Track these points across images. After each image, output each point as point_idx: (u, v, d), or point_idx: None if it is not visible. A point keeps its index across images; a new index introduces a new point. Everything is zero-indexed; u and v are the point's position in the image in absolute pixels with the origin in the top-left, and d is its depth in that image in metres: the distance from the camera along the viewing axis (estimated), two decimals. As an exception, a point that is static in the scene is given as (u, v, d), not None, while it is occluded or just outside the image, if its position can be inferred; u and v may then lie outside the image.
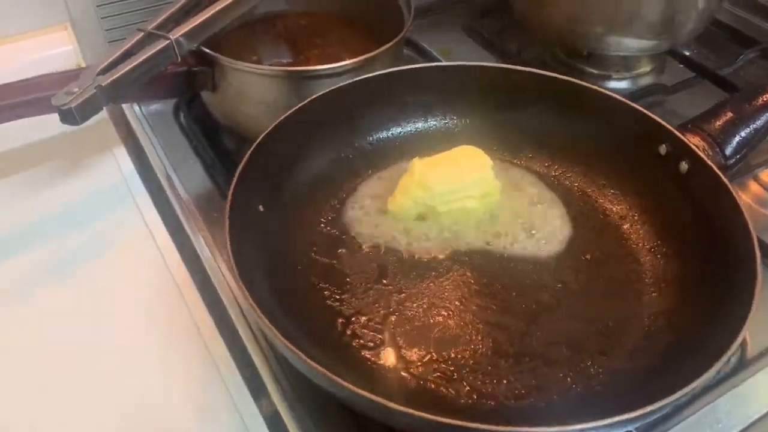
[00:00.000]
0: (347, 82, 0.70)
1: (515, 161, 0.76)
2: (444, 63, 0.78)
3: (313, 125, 0.69)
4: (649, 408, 0.46)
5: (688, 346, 0.55)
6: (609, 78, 0.96)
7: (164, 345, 0.62)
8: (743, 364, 0.61)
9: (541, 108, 0.73)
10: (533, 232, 0.68)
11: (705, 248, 0.61)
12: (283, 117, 0.66)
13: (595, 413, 0.45)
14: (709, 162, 0.63)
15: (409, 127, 0.77)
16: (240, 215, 0.58)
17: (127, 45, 0.68)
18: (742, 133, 0.70)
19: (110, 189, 0.77)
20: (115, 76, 0.65)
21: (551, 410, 0.54)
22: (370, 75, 0.71)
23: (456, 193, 0.67)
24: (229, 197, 0.58)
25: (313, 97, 0.67)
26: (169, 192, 0.75)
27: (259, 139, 0.63)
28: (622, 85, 0.96)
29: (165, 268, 0.68)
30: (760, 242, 0.67)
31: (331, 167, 0.72)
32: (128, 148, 0.82)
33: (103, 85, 0.64)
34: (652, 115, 0.67)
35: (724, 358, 0.48)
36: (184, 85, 0.75)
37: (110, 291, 0.67)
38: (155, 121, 0.85)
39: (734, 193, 0.60)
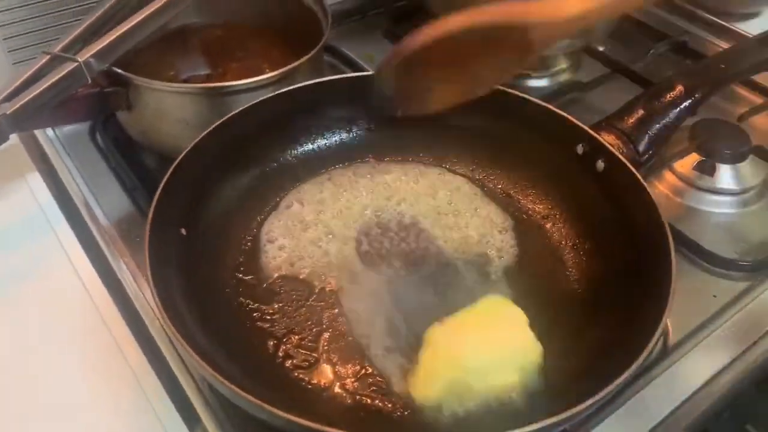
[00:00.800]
0: (266, 96, 0.69)
1: (442, 166, 0.77)
2: (362, 73, 0.77)
3: (234, 141, 0.68)
4: (576, 408, 0.47)
5: (613, 343, 0.57)
6: (528, 77, 0.98)
7: (91, 377, 0.60)
8: (666, 352, 0.64)
9: (464, 112, 0.74)
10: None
11: (624, 244, 0.63)
12: (202, 135, 0.64)
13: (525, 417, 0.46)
14: (623, 159, 0.65)
15: (334, 138, 0.77)
16: (161, 239, 0.57)
17: (33, 69, 0.66)
18: (654, 129, 0.73)
19: (26, 218, 0.74)
20: (20, 103, 0.62)
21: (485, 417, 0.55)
22: (291, 88, 0.70)
23: (494, 364, 0.54)
24: (148, 223, 0.56)
25: (233, 113, 0.66)
26: (87, 218, 0.73)
27: (177, 160, 0.62)
28: (541, 83, 0.99)
29: (88, 298, 0.66)
30: (676, 232, 0.71)
31: (254, 183, 0.71)
32: (42, 174, 0.78)
33: (8, 113, 0.61)
34: (568, 116, 0.69)
35: (644, 354, 0.50)
36: (98, 107, 0.72)
37: (31, 324, 0.64)
38: (70, 144, 0.82)
39: (648, 190, 0.62)
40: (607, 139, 0.69)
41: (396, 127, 0.76)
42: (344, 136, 0.76)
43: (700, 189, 0.79)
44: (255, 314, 0.61)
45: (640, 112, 0.74)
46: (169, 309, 0.51)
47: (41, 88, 0.63)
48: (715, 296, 0.69)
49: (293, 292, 0.63)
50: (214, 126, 0.66)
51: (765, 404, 0.69)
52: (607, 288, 0.63)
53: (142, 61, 0.79)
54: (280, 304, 0.62)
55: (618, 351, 0.55)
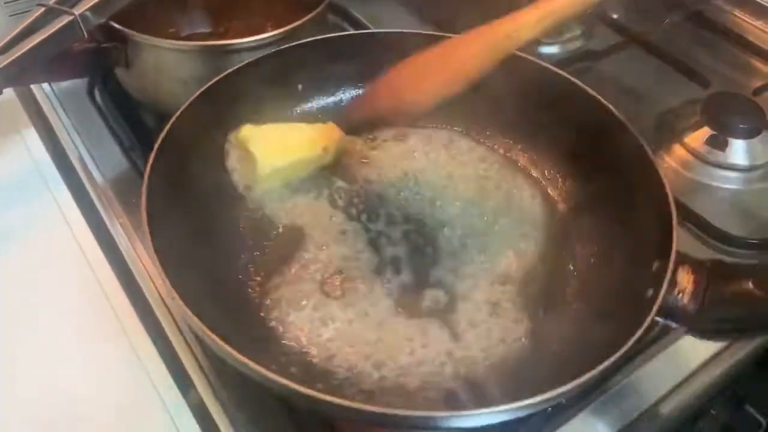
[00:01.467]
0: (268, 52, 0.67)
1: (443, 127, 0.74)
2: (365, 31, 0.75)
3: (233, 99, 0.66)
4: (573, 383, 0.46)
5: (612, 314, 0.56)
6: (539, 43, 0.96)
7: (85, 338, 0.60)
8: (668, 330, 0.62)
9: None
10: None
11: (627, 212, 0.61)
12: (197, 93, 0.62)
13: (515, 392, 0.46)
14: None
15: (340, 96, 0.74)
16: (159, 197, 0.55)
17: (27, 21, 0.64)
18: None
19: (20, 175, 0.72)
20: (13, 57, 0.60)
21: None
22: (290, 44, 0.68)
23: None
24: (146, 179, 0.55)
25: (228, 71, 0.64)
26: (83, 177, 0.71)
27: (172, 118, 0.60)
28: (552, 50, 0.96)
29: (83, 258, 0.65)
30: (683, 206, 0.70)
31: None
32: (38, 131, 0.77)
33: (0, 66, 0.59)
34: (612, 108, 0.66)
35: (641, 329, 0.48)
36: (95, 64, 0.70)
37: (26, 284, 0.63)
38: (67, 101, 0.80)
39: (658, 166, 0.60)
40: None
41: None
42: (349, 94, 0.74)
43: (710, 164, 0.78)
44: (256, 277, 0.60)
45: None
46: (167, 264, 0.49)
47: (35, 42, 0.61)
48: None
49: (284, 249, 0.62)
50: (209, 84, 0.64)
51: (764, 384, 0.68)
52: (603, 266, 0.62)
53: (142, 17, 0.77)
54: (277, 268, 0.61)
55: (616, 324, 0.54)
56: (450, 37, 0.62)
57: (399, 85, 0.61)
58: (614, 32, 0.96)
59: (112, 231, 0.66)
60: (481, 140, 0.73)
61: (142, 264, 0.63)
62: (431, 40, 0.69)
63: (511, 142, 0.73)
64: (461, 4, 0.99)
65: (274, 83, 0.69)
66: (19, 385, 0.57)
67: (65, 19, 0.63)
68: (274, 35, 0.69)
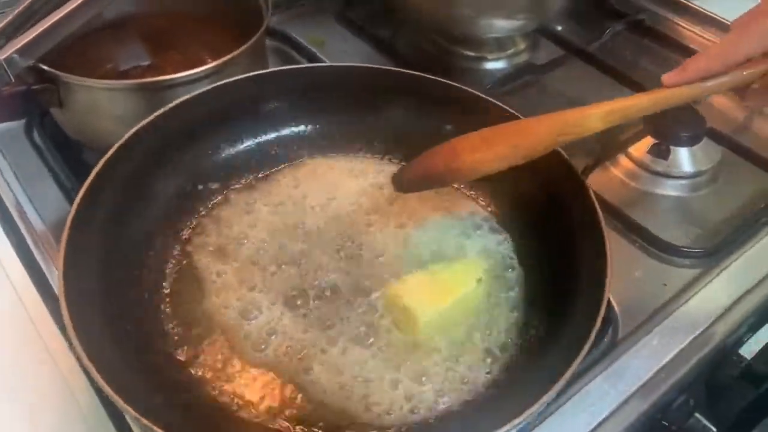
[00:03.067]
0: (201, 90, 0.66)
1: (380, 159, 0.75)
2: (301, 66, 0.75)
3: (164, 139, 0.65)
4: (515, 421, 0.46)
5: (555, 338, 0.56)
6: (484, 59, 0.97)
7: (21, 387, 0.58)
8: (615, 343, 0.63)
9: (406, 106, 0.72)
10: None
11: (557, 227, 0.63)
12: (126, 136, 0.62)
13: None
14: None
15: (269, 136, 0.73)
16: (80, 248, 0.54)
17: (-50, 68, 0.62)
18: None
19: (-45, 223, 0.71)
20: (-63, 106, 0.59)
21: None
22: (226, 81, 0.67)
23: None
24: (66, 233, 0.54)
25: (160, 111, 0.63)
26: (19, 222, 0.69)
27: (101, 162, 0.60)
28: (498, 65, 0.97)
29: (21, 306, 0.63)
30: (626, 218, 0.71)
31: (184, 185, 0.68)
32: (-26, 176, 0.75)
33: (-76, 117, 0.58)
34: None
35: (582, 353, 0.49)
36: (27, 106, 0.70)
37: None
38: (4, 141, 0.78)
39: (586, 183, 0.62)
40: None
41: (336, 123, 0.75)
42: (284, 132, 0.74)
43: (653, 173, 0.78)
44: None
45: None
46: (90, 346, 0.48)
47: (-40, 90, 0.60)
48: (665, 285, 0.68)
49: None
50: (139, 126, 0.63)
51: (714, 392, 0.68)
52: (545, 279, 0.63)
53: (77, 55, 0.76)
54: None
55: (559, 347, 0.54)
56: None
57: (461, 148, 0.60)
58: (557, 45, 0.96)
59: (49, 277, 0.65)
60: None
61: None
62: (374, 73, 0.71)
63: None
64: (401, 23, 1.00)
65: (201, 124, 0.68)
66: None
67: (-10, 64, 0.62)
68: (208, 69, 0.68)
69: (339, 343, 0.59)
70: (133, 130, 0.62)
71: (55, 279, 0.63)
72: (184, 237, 0.66)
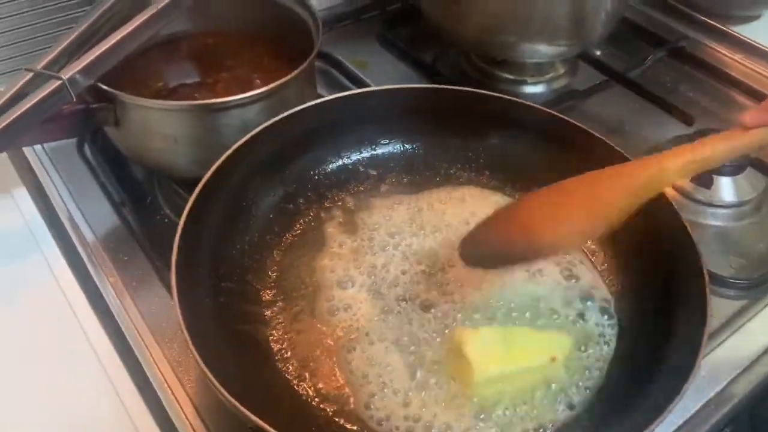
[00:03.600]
0: (302, 107, 0.69)
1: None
2: (382, 87, 0.75)
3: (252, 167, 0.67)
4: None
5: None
6: (524, 83, 0.97)
7: (75, 398, 0.59)
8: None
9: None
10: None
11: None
12: (223, 157, 0.63)
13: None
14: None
15: (346, 160, 0.75)
16: (187, 274, 0.55)
17: (16, 87, 0.64)
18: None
19: (11, 234, 0.73)
20: (3, 123, 0.61)
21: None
22: (304, 107, 0.69)
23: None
24: (174, 256, 0.55)
25: (250, 134, 0.65)
26: (73, 235, 0.71)
27: (202, 181, 0.61)
28: (537, 89, 0.97)
29: (74, 318, 0.65)
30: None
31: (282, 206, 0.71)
32: (29, 189, 0.77)
33: (-11, 134, 0.59)
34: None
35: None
36: (84, 124, 0.70)
37: (16, 344, 0.63)
38: (57, 158, 0.80)
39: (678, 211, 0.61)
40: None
41: (418, 144, 0.77)
42: (358, 156, 0.76)
43: (696, 201, 0.78)
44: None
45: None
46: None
47: (24, 108, 0.62)
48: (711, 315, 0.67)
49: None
50: (226, 154, 0.64)
51: (762, 423, 0.68)
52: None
53: (130, 71, 0.77)
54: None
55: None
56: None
57: (533, 223, 0.56)
58: (597, 71, 0.97)
59: (102, 290, 0.66)
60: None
61: (133, 324, 0.63)
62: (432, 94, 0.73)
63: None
64: (442, 45, 1.01)
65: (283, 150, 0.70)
66: None
67: (54, 84, 0.64)
68: (260, 93, 0.69)
69: (390, 346, 0.60)
70: (234, 147, 0.64)
71: (106, 289, 0.65)
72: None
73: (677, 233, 0.61)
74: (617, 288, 0.66)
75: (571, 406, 0.57)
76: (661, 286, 0.61)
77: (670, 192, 0.79)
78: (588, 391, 0.58)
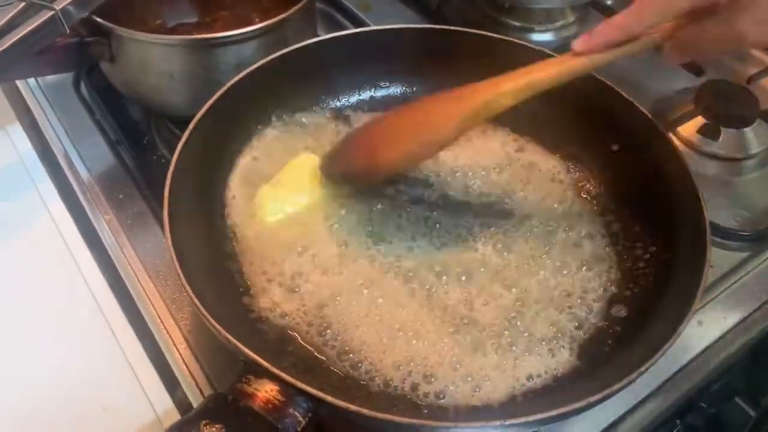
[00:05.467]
0: (305, 43, 0.67)
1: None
2: (383, 27, 0.73)
3: (256, 95, 0.66)
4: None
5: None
6: (531, 30, 0.94)
7: (68, 333, 0.60)
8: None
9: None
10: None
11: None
12: (209, 103, 0.61)
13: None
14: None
15: (344, 102, 0.74)
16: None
17: (7, 17, 0.62)
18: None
19: (5, 171, 0.72)
20: (-7, 54, 0.59)
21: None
22: (308, 42, 0.67)
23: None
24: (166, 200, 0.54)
25: (246, 71, 0.63)
26: (68, 173, 0.71)
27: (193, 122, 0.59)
28: (545, 37, 0.94)
29: (68, 254, 0.65)
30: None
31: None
32: (24, 125, 0.76)
33: (-20, 64, 0.58)
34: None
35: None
36: (78, 58, 0.69)
37: (9, 278, 0.63)
38: (53, 94, 0.79)
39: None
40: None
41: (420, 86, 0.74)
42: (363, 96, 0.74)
43: (702, 154, 0.76)
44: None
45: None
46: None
47: (14, 39, 0.60)
48: (712, 266, 0.67)
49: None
50: (221, 91, 0.62)
51: (756, 376, 0.68)
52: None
53: (128, 9, 0.76)
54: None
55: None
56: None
57: (373, 143, 0.60)
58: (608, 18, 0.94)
59: (97, 227, 0.66)
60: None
61: (128, 261, 0.63)
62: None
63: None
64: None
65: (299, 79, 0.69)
66: (1, 370, 0.57)
67: (46, 14, 0.62)
68: (258, 28, 0.67)
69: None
70: (227, 85, 0.62)
71: (101, 226, 0.65)
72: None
73: (681, 180, 0.59)
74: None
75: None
76: (662, 232, 0.60)
77: (675, 143, 0.78)
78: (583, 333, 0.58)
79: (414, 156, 0.60)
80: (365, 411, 0.42)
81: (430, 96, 0.59)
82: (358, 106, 0.74)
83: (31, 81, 0.80)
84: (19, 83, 0.80)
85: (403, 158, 0.60)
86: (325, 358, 0.53)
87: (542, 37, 0.94)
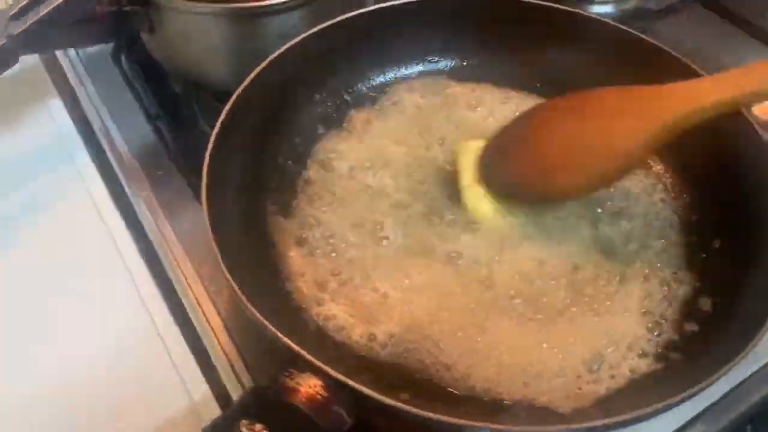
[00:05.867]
0: (314, 30, 0.61)
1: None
2: None
3: (295, 73, 0.62)
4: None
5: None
6: (591, 2, 0.89)
7: (105, 309, 0.58)
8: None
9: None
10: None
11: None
12: (258, 69, 0.58)
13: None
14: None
15: (390, 76, 0.69)
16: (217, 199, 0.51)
17: (43, -16, 0.60)
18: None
19: (45, 145, 0.70)
20: (29, 22, 0.57)
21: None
22: (356, 13, 0.63)
23: None
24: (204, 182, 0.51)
25: (294, 42, 0.60)
26: (107, 148, 0.69)
27: (230, 103, 0.55)
28: (605, 9, 0.88)
29: (106, 231, 0.63)
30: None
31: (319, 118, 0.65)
32: (63, 99, 0.74)
33: (15, 33, 0.56)
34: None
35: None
36: (117, 28, 0.67)
37: (48, 254, 0.62)
38: (93, 67, 0.77)
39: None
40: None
41: (473, 57, 0.70)
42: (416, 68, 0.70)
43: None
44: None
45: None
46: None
47: (51, 6, 0.58)
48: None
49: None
50: (269, 60, 0.59)
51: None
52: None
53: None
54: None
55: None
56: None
57: (547, 160, 0.52)
58: (675, -11, 0.87)
59: (134, 204, 0.64)
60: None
61: (165, 240, 0.60)
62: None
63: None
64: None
65: (329, 60, 0.65)
66: (39, 350, 0.56)
67: (83, -19, 0.60)
68: (306, -6, 0.64)
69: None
70: (270, 58, 0.59)
71: (139, 204, 0.63)
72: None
73: (762, 162, 0.54)
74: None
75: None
76: (741, 215, 0.55)
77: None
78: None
79: (594, 186, 0.53)
80: (416, 411, 0.39)
81: (618, 89, 0.50)
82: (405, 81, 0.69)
83: (72, 53, 0.78)
84: (59, 55, 0.78)
85: (582, 188, 0.53)
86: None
87: (601, 8, 0.89)
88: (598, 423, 0.41)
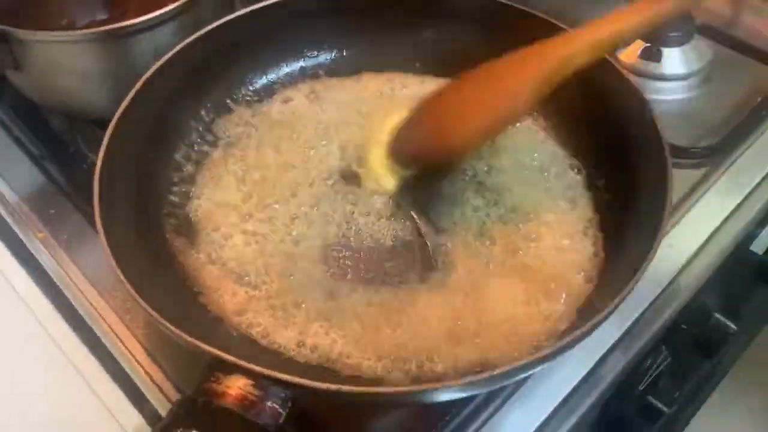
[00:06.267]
0: (203, 31, 0.61)
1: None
2: None
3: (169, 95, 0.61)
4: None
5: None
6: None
7: (19, 369, 0.56)
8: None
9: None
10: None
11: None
12: (131, 94, 0.56)
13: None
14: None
15: (272, 77, 0.69)
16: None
17: None
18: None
19: None
20: None
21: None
22: (227, 19, 0.63)
23: None
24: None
25: (174, 51, 0.59)
26: (-5, 200, 0.66)
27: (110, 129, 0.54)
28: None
29: (6, 284, 0.60)
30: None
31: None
32: (-65, 152, 0.70)
33: None
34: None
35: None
36: (-21, 71, 0.63)
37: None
38: (-37, 116, 0.73)
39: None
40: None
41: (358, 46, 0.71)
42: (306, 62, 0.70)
43: (646, 77, 0.75)
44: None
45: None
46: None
47: None
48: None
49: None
50: (143, 80, 0.57)
51: (730, 290, 0.68)
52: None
53: (29, 11, 0.70)
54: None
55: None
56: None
57: (442, 119, 0.55)
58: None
59: (30, 248, 0.61)
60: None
61: (70, 278, 0.58)
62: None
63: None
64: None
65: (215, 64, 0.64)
66: None
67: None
68: (170, 10, 0.63)
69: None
70: (145, 76, 0.58)
71: (36, 247, 0.61)
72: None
73: (632, 102, 0.57)
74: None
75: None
76: (621, 161, 0.58)
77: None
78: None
79: (488, 131, 0.55)
80: (351, 388, 0.40)
81: (499, 59, 0.53)
82: (287, 78, 0.70)
83: (-63, 104, 0.74)
84: None
85: (477, 134, 0.54)
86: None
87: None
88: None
